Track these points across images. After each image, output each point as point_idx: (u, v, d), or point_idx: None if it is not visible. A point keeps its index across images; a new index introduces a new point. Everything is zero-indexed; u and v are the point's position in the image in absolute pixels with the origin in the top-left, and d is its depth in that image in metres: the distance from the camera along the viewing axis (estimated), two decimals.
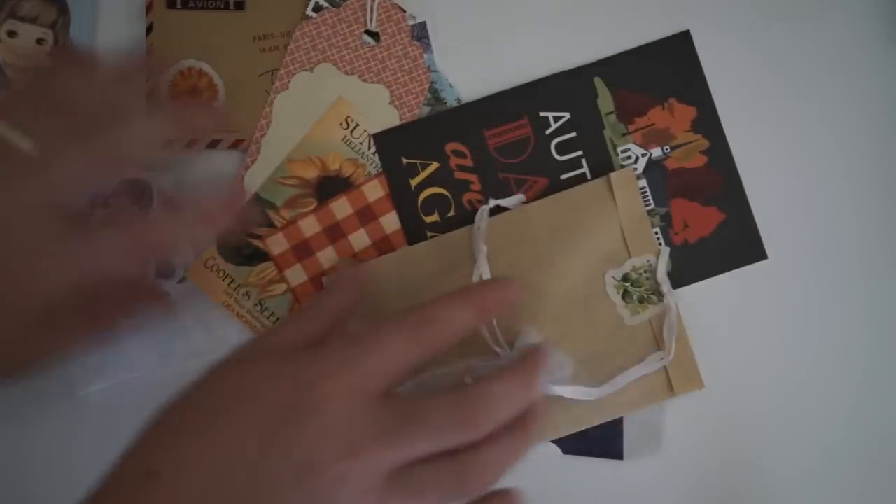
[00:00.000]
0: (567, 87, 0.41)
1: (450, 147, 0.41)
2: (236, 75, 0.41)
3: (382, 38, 0.41)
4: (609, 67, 0.41)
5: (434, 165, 0.41)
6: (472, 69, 0.42)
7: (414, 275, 0.40)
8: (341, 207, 0.41)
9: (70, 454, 0.40)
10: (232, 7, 0.41)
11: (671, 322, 0.39)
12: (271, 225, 0.41)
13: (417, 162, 0.41)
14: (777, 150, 0.42)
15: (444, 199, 0.41)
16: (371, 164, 0.41)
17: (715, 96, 0.41)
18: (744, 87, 0.42)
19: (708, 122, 0.41)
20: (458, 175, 0.41)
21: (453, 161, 0.41)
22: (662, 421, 0.40)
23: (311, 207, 0.41)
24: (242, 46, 0.41)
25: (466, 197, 0.41)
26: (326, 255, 0.41)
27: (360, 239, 0.41)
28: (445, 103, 0.41)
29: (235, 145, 0.41)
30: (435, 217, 0.41)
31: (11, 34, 0.41)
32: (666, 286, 0.39)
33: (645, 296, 0.39)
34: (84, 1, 0.41)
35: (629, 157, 0.41)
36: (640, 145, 0.41)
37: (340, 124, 0.41)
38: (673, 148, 0.41)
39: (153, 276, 0.40)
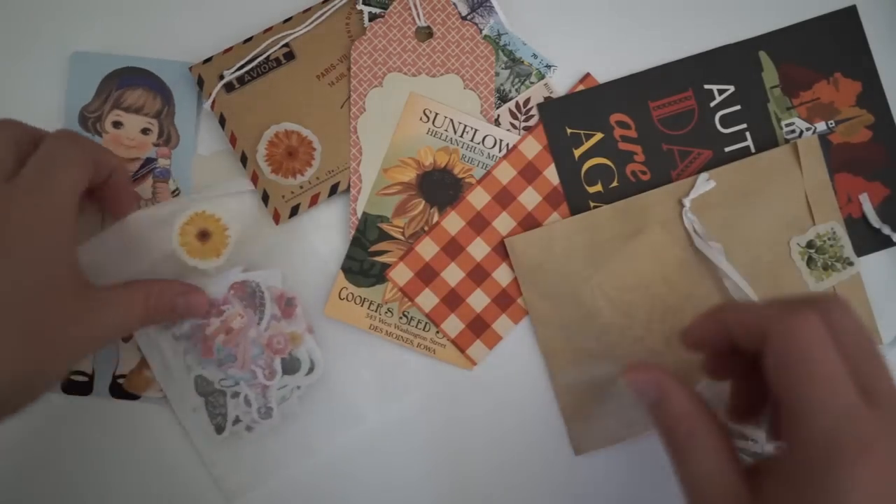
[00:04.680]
0: (732, 60, 0.41)
1: (614, 118, 0.41)
2: (321, 119, 0.41)
3: (435, 29, 0.41)
4: (774, 41, 0.41)
5: (598, 136, 0.41)
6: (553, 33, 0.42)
7: (599, 238, 0.40)
8: (453, 222, 0.41)
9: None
10: (283, 61, 0.41)
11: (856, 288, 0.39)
12: (387, 237, 0.41)
13: (581, 132, 0.41)
14: None
15: (608, 170, 0.41)
16: (463, 147, 0.41)
17: (881, 71, 0.41)
18: None
19: (873, 97, 0.41)
20: (622, 146, 0.41)
21: (617, 132, 0.41)
22: None
23: (420, 214, 0.41)
24: (311, 88, 0.41)
25: (630, 168, 0.41)
26: (450, 273, 0.41)
27: (478, 247, 0.41)
28: (523, 61, 0.41)
29: (334, 190, 0.41)
30: (598, 187, 0.41)
31: (117, 125, 0.41)
32: (850, 252, 0.39)
33: (829, 263, 0.39)
34: (187, 91, 0.41)
35: (793, 132, 0.41)
36: (805, 119, 0.41)
37: (420, 119, 0.41)
38: (838, 122, 0.41)
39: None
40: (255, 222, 0.40)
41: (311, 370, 0.39)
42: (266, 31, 0.41)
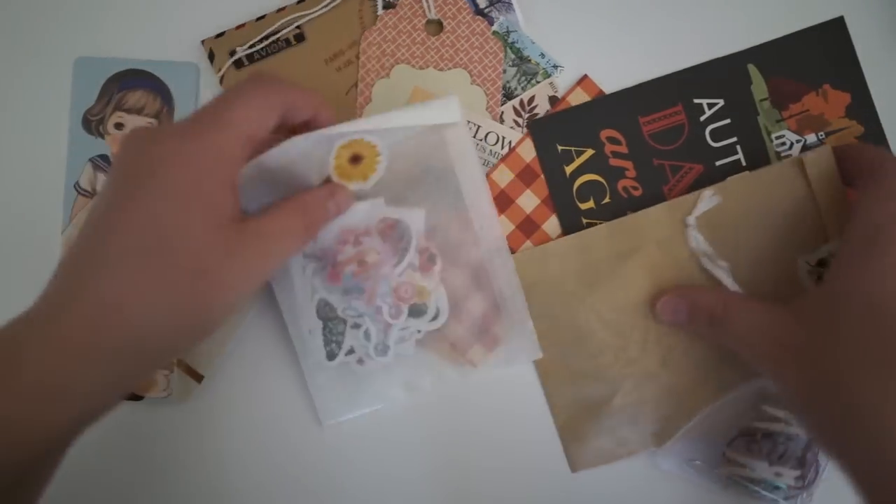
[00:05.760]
0: (721, 74, 0.42)
1: (605, 134, 0.42)
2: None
3: (445, 22, 0.42)
4: (763, 54, 0.42)
5: (589, 152, 0.42)
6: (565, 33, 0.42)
7: (593, 258, 0.40)
8: None
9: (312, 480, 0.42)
10: (294, 42, 0.41)
11: None
12: None
13: (572, 149, 0.42)
14: None
15: (600, 186, 0.42)
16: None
17: (869, 82, 0.41)
18: None
19: (862, 108, 0.41)
20: (613, 162, 0.42)
21: (608, 148, 0.42)
22: None
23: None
24: (319, 72, 0.41)
25: (621, 184, 0.41)
26: None
27: None
28: (530, 60, 0.42)
29: None
30: (590, 204, 0.41)
31: (118, 126, 0.42)
32: None
33: None
34: (187, 90, 0.42)
35: (784, 144, 0.41)
36: (795, 132, 0.42)
37: None
38: (828, 134, 0.42)
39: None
40: (409, 158, 0.38)
41: (435, 317, 0.39)
42: (279, 10, 0.42)
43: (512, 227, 0.42)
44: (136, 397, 0.41)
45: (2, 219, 0.43)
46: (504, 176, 0.42)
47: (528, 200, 0.42)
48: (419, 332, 0.39)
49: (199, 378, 0.42)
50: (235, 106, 0.30)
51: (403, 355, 0.39)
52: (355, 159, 0.36)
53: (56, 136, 0.42)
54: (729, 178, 0.40)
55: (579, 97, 0.42)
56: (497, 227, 0.40)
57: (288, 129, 0.34)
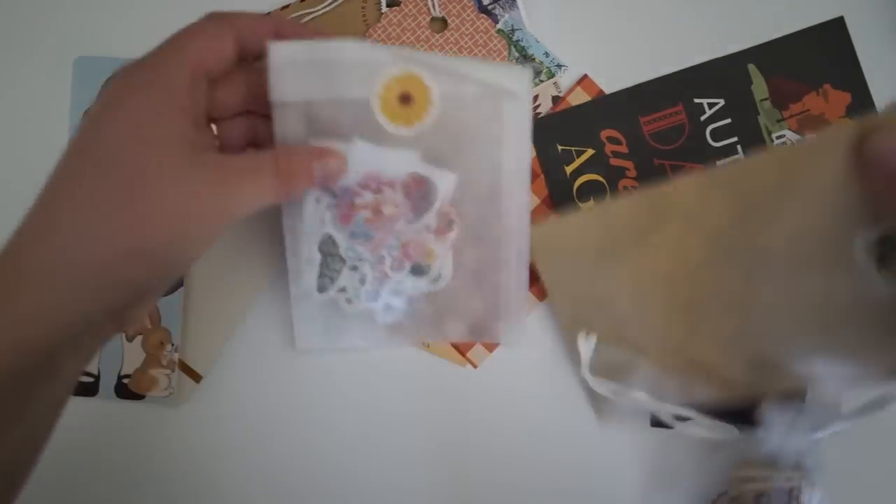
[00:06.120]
0: (721, 74, 0.42)
1: (605, 134, 0.42)
2: None
3: (449, 20, 0.42)
4: (763, 54, 0.42)
5: (589, 152, 0.42)
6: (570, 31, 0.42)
7: (615, 231, 0.38)
8: None
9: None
10: None
11: None
12: None
13: (573, 149, 0.42)
14: None
15: (600, 186, 0.42)
16: None
17: (869, 82, 0.41)
18: None
19: (863, 108, 0.41)
20: (614, 162, 0.42)
21: (609, 148, 0.42)
22: None
23: None
24: None
25: (622, 183, 0.41)
26: None
27: None
28: (534, 59, 0.42)
29: None
30: (591, 204, 0.41)
31: None
32: None
33: None
34: None
35: (785, 144, 0.41)
36: (795, 132, 0.41)
37: None
38: None
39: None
40: (459, 118, 0.35)
41: (436, 280, 0.38)
42: (283, 7, 0.42)
43: None
44: (137, 396, 0.41)
45: (2, 218, 0.42)
46: None
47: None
48: (414, 289, 0.38)
49: (197, 378, 0.42)
50: (185, 36, 0.30)
51: (393, 308, 0.38)
52: (405, 99, 0.34)
53: (56, 136, 0.42)
54: (765, 149, 0.37)
55: (579, 97, 0.42)
56: (525, 218, 0.37)
57: (254, 60, 0.33)
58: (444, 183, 0.36)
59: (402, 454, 0.42)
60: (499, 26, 0.42)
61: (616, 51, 0.42)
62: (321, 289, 0.38)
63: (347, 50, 0.32)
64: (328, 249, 0.37)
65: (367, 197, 0.36)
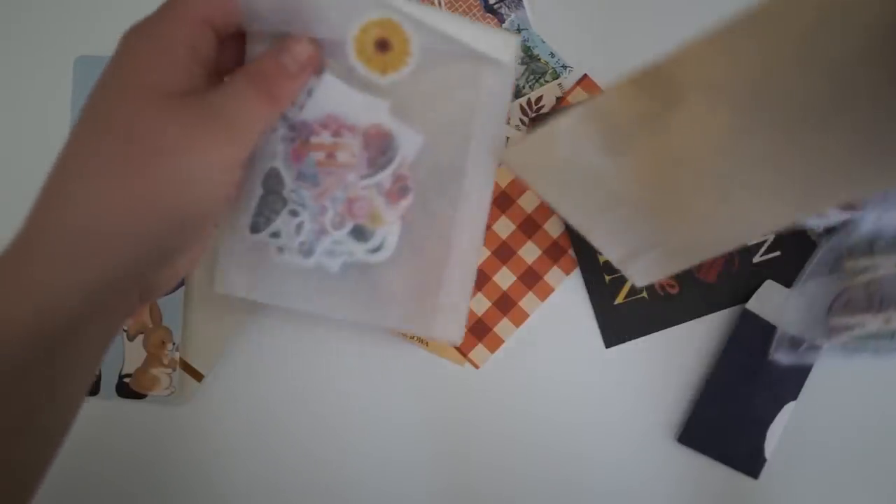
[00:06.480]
0: None
1: None
2: None
3: None
4: None
5: None
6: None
7: (614, 124, 0.31)
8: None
9: None
10: None
11: None
12: None
13: None
14: None
15: None
16: None
17: None
18: None
19: None
20: None
21: None
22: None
23: None
24: None
25: None
26: None
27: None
28: (540, 59, 0.42)
29: None
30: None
31: None
32: None
33: None
34: None
35: None
36: None
37: None
38: None
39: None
40: (436, 77, 0.33)
41: (376, 250, 0.35)
42: None
43: (513, 226, 0.42)
44: (138, 395, 0.41)
45: (2, 218, 0.42)
46: (505, 175, 0.42)
47: (530, 200, 0.42)
48: (351, 254, 0.35)
49: (199, 377, 0.42)
50: (171, 6, 0.29)
51: (325, 269, 0.35)
52: (382, 45, 0.32)
53: (56, 136, 0.42)
54: None
55: (580, 97, 0.42)
56: (486, 206, 0.34)
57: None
58: (409, 142, 0.34)
59: (403, 454, 0.42)
60: (504, 26, 0.42)
61: (615, 50, 0.42)
62: (254, 228, 0.35)
63: None
64: (272, 186, 0.35)
65: (325, 138, 0.34)
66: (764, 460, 0.41)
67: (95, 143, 0.27)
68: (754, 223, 0.35)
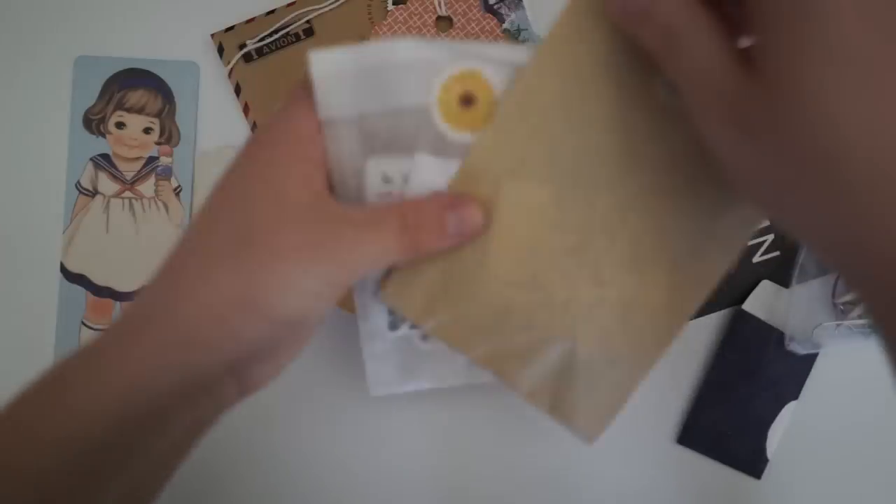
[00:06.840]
0: None
1: None
2: None
3: (455, 19, 0.42)
4: None
5: None
6: None
7: (542, 103, 0.28)
8: None
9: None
10: (303, 37, 0.42)
11: None
12: None
13: None
14: None
15: None
16: None
17: None
18: None
19: None
20: None
21: None
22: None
23: None
24: None
25: None
26: None
27: None
28: None
29: None
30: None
31: (120, 125, 0.42)
32: None
33: None
34: (187, 88, 0.42)
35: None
36: None
37: None
38: None
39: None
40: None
41: None
42: (289, 4, 0.42)
43: None
44: None
45: (3, 218, 0.43)
46: None
47: None
48: None
49: None
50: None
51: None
52: (467, 101, 0.29)
53: (57, 136, 0.42)
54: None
55: None
56: None
57: None
58: None
59: (402, 453, 0.42)
60: (504, 26, 0.42)
61: None
62: (393, 326, 0.34)
63: (399, 51, 0.28)
64: None
65: None
66: (766, 460, 0.41)
67: (215, 234, 0.26)
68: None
